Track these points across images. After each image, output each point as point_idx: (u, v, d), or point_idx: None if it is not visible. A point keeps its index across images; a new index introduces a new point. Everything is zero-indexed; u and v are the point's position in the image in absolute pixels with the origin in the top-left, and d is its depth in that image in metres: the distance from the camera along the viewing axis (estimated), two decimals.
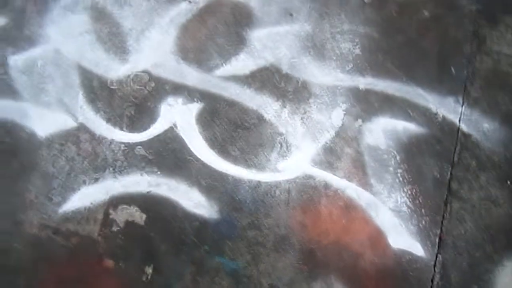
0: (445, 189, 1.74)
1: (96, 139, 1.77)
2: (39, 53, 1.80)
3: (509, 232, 1.72)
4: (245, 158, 1.77)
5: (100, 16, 1.80)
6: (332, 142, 1.78)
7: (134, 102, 1.78)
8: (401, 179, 1.76)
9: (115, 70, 1.79)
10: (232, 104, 1.79)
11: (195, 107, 1.78)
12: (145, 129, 1.78)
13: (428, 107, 1.76)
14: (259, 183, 1.76)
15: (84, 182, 1.76)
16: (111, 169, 1.76)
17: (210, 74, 1.79)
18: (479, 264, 1.72)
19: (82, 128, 1.77)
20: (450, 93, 1.76)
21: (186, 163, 1.76)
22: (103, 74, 1.79)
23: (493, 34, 1.77)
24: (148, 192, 1.75)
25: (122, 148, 1.77)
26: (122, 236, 1.74)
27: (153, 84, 1.79)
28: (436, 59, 1.77)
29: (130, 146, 1.77)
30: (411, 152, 1.76)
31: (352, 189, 1.76)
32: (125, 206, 1.75)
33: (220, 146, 1.77)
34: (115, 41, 1.80)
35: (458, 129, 1.75)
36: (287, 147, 1.78)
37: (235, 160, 1.77)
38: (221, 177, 1.76)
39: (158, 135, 1.77)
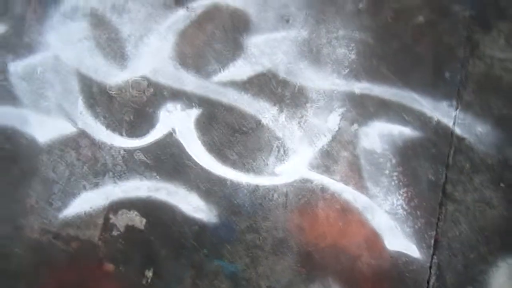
0: (440, 191, 1.73)
1: (96, 145, 1.78)
2: (39, 60, 1.81)
3: (503, 233, 1.71)
4: (243, 162, 1.77)
5: (99, 23, 1.81)
6: (328, 146, 1.77)
7: (133, 107, 1.79)
8: (396, 182, 1.75)
9: (114, 76, 1.80)
10: (230, 109, 1.78)
11: (194, 112, 1.79)
12: (144, 135, 1.79)
13: (423, 112, 1.75)
14: (257, 187, 1.77)
15: (84, 187, 1.77)
16: (111, 174, 1.77)
17: (208, 80, 1.79)
18: (474, 265, 1.71)
19: (81, 133, 1.78)
20: (444, 98, 1.75)
21: (185, 168, 1.77)
22: (102, 80, 1.80)
23: (486, 39, 1.74)
24: (147, 196, 1.76)
25: (121, 153, 1.78)
26: (122, 240, 1.75)
27: (152, 90, 1.79)
28: (430, 64, 1.76)
29: (130, 151, 1.78)
30: (407, 155, 1.75)
31: (348, 192, 1.76)
32: (125, 210, 1.76)
33: (219, 151, 1.78)
34: (114, 47, 1.80)
35: (452, 132, 1.74)
36: (284, 151, 1.78)
37: (233, 165, 1.77)
38: (220, 181, 1.77)
39: (157, 140, 1.78)
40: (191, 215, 1.76)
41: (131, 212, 1.76)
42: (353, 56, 1.77)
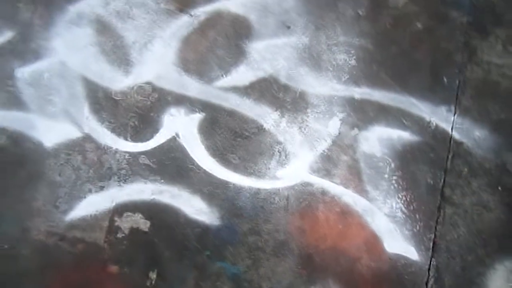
0: (438, 195, 1.77)
1: (101, 149, 1.79)
2: (45, 66, 1.81)
3: (500, 236, 1.75)
4: (245, 166, 1.80)
5: (104, 29, 1.82)
6: (329, 150, 1.80)
7: (137, 112, 1.80)
8: (396, 185, 1.78)
9: (119, 81, 1.81)
10: (232, 114, 1.81)
11: (197, 117, 1.81)
12: (148, 139, 1.80)
13: (422, 116, 1.78)
14: (258, 190, 1.79)
15: (90, 191, 1.78)
16: (116, 177, 1.78)
17: (211, 85, 1.82)
18: (472, 268, 1.74)
19: (87, 138, 1.79)
20: (443, 103, 1.78)
21: (188, 172, 1.79)
22: (108, 85, 1.81)
23: (483, 45, 1.79)
24: (151, 199, 1.78)
25: (126, 157, 1.79)
26: (126, 242, 1.76)
27: (156, 95, 1.81)
28: (428, 69, 1.80)
29: (134, 156, 1.79)
30: (406, 159, 1.78)
31: (348, 196, 1.79)
32: (129, 213, 1.77)
33: (221, 155, 1.80)
34: (118, 53, 1.82)
35: (451, 137, 1.78)
36: (285, 155, 1.81)
37: (235, 168, 1.80)
38: (222, 184, 1.79)
39: (161, 145, 1.79)
40: (194, 217, 1.77)
41: (136, 214, 1.78)
42: (353, 62, 1.81)
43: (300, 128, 1.82)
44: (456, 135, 1.77)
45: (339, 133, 1.81)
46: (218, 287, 1.76)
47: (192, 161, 1.79)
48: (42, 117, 1.80)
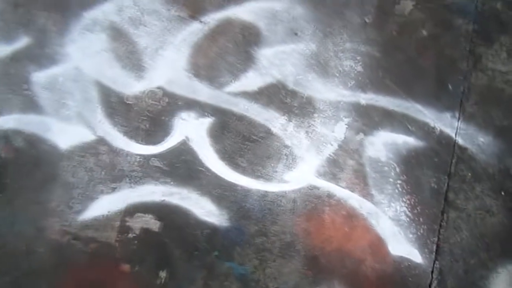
0: (442, 199, 1.77)
1: (114, 151, 1.80)
2: (60, 70, 1.82)
3: (503, 240, 1.75)
4: (253, 169, 1.82)
5: (117, 35, 1.84)
6: (335, 154, 1.82)
7: (149, 116, 1.82)
8: (400, 189, 1.79)
9: (132, 86, 1.83)
10: (241, 118, 1.82)
11: (207, 121, 1.82)
12: (159, 142, 1.81)
13: (426, 122, 1.79)
14: (266, 193, 1.81)
15: (102, 192, 1.79)
16: (127, 179, 1.80)
17: (220, 90, 1.83)
18: (475, 271, 1.75)
19: (100, 141, 1.80)
20: (447, 109, 1.79)
21: (198, 174, 1.81)
22: (121, 90, 1.82)
23: (488, 53, 1.80)
24: (162, 201, 1.79)
25: (138, 159, 1.80)
26: (138, 242, 1.78)
27: (167, 100, 1.83)
28: (434, 76, 1.80)
29: (146, 158, 1.80)
30: (410, 164, 1.79)
31: (354, 199, 1.80)
32: (140, 214, 1.79)
33: (230, 158, 1.82)
34: (131, 59, 1.84)
35: (455, 142, 1.79)
36: (292, 159, 1.83)
37: (244, 171, 1.82)
38: (231, 187, 1.80)
39: (172, 148, 1.81)
40: (203, 219, 1.79)
41: (147, 215, 1.79)
42: (359, 68, 1.83)
43: (307, 132, 1.83)
44: (460, 140, 1.78)
45: (345, 138, 1.82)
46: (226, 286, 1.78)
47: (201, 164, 1.81)
48: (57, 120, 1.81)
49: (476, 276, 1.76)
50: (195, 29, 1.85)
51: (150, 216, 1.79)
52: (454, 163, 1.78)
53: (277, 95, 1.83)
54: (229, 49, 1.84)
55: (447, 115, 1.79)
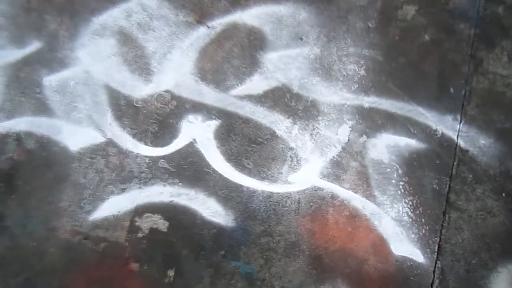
0: (443, 200, 1.77)
1: (123, 153, 1.82)
2: (71, 74, 1.84)
3: (503, 240, 1.75)
4: (258, 171, 1.82)
5: (126, 40, 1.84)
6: (339, 156, 1.82)
7: (157, 119, 1.83)
8: (402, 191, 1.79)
9: (140, 90, 1.83)
10: (247, 121, 1.83)
11: (213, 123, 1.83)
12: (167, 144, 1.83)
13: (428, 125, 1.78)
14: (271, 194, 1.81)
15: (112, 192, 1.81)
16: (136, 180, 1.82)
17: (226, 94, 1.84)
18: (476, 271, 1.75)
19: (110, 143, 1.82)
20: (449, 112, 1.78)
21: (205, 175, 1.82)
22: (129, 93, 1.83)
23: (489, 57, 1.78)
24: (170, 201, 1.81)
25: (146, 161, 1.82)
26: (146, 241, 1.80)
27: (174, 103, 1.83)
28: (435, 80, 1.79)
29: (154, 160, 1.82)
30: (412, 166, 1.79)
31: (357, 200, 1.80)
32: (149, 214, 1.80)
33: (236, 160, 1.82)
34: (140, 63, 1.84)
35: (456, 145, 1.78)
36: (297, 160, 1.83)
37: (249, 173, 1.82)
38: (237, 188, 1.81)
39: (179, 150, 1.82)
40: (210, 219, 1.80)
41: (155, 215, 1.80)
42: (362, 72, 1.82)
43: (311, 135, 1.83)
44: (461, 143, 1.78)
45: (349, 140, 1.82)
46: (232, 285, 1.79)
47: (208, 166, 1.82)
48: (68, 123, 1.83)
49: (477, 276, 1.75)
50: (202, 34, 1.85)
51: (159, 216, 1.81)
52: (456, 165, 1.78)
53: (282, 99, 1.84)
54: (235, 53, 1.84)
55: (449, 118, 1.78)
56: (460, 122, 1.79)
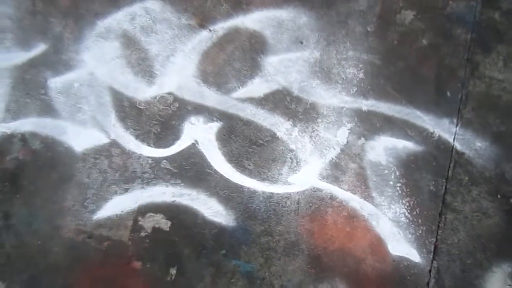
0: (440, 201, 1.78)
1: (126, 154, 1.84)
2: (75, 76, 1.86)
3: (498, 241, 1.76)
4: (259, 172, 1.84)
5: (130, 43, 1.87)
6: (337, 158, 1.83)
7: (160, 120, 1.85)
8: (400, 192, 1.80)
9: (143, 91, 1.86)
10: (247, 123, 1.85)
11: (215, 125, 1.85)
12: (170, 145, 1.85)
13: (425, 128, 1.79)
14: (271, 194, 1.83)
15: (116, 192, 1.83)
16: (139, 180, 1.84)
17: (228, 96, 1.85)
18: (471, 270, 1.76)
19: (114, 143, 1.84)
20: (446, 115, 1.79)
21: (206, 176, 1.84)
22: (133, 95, 1.85)
23: (485, 61, 1.79)
24: (172, 201, 1.83)
25: (149, 162, 1.84)
26: (149, 240, 1.82)
27: (177, 105, 1.85)
28: (433, 83, 1.80)
29: (157, 160, 1.84)
30: (410, 168, 1.80)
31: (355, 201, 1.82)
32: (152, 214, 1.83)
33: (237, 161, 1.84)
34: (143, 65, 1.86)
35: (453, 147, 1.78)
36: (297, 162, 1.85)
37: (250, 174, 1.84)
38: (238, 188, 1.83)
39: (181, 151, 1.84)
40: (211, 219, 1.82)
41: (158, 215, 1.82)
42: (361, 76, 1.84)
43: (311, 137, 1.85)
44: (458, 145, 1.78)
45: (347, 142, 1.83)
46: (233, 283, 1.81)
47: (210, 166, 1.84)
48: (72, 124, 1.85)
49: (473, 276, 1.77)
50: (204, 37, 1.87)
51: (161, 215, 1.83)
52: (452, 167, 1.79)
53: (282, 101, 1.85)
54: (237, 56, 1.86)
55: (446, 121, 1.80)
56: (457, 125, 1.80)
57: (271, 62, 1.86)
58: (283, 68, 1.86)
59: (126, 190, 1.84)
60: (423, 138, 1.80)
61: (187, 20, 1.88)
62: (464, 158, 1.80)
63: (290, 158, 1.86)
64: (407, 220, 1.81)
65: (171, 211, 1.83)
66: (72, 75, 1.87)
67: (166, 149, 1.85)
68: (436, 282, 1.78)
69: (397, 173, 1.82)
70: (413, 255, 1.79)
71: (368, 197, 1.82)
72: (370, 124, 1.83)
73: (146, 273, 1.81)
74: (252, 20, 1.86)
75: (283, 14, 1.86)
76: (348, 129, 1.85)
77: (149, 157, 1.85)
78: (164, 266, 1.82)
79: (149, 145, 1.86)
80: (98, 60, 1.88)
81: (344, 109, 1.85)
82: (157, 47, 1.88)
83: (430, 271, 1.78)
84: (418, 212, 1.80)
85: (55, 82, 1.86)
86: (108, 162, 1.85)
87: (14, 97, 1.86)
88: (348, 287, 1.80)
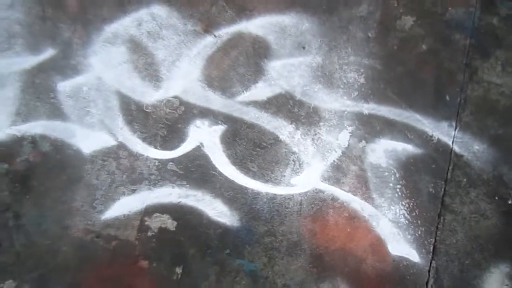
0: (439, 203, 1.80)
1: (134, 156, 1.85)
2: (83, 80, 1.86)
3: (496, 242, 1.78)
4: (262, 174, 1.87)
5: (136, 48, 1.87)
6: (339, 160, 1.85)
7: (166, 124, 1.87)
8: (399, 193, 1.82)
9: (150, 95, 1.86)
10: (251, 126, 1.86)
11: (219, 128, 1.86)
12: (176, 148, 1.86)
13: (425, 131, 1.81)
14: (274, 196, 1.86)
15: (123, 193, 1.85)
16: (146, 182, 1.86)
17: (232, 100, 1.87)
18: (469, 271, 1.78)
19: (121, 146, 1.85)
20: (444, 118, 1.80)
21: (211, 178, 1.86)
22: (140, 99, 1.86)
23: (484, 66, 1.81)
24: (178, 202, 1.85)
25: (156, 164, 1.85)
26: (155, 240, 1.84)
27: (183, 108, 1.87)
28: (432, 88, 1.81)
29: (163, 162, 1.85)
30: (409, 170, 1.82)
31: (356, 202, 1.84)
32: (158, 214, 1.85)
33: (241, 163, 1.87)
34: (149, 70, 1.87)
35: (451, 150, 1.80)
36: (299, 164, 1.87)
37: (254, 175, 1.87)
38: (242, 190, 1.86)
39: (187, 153, 1.85)
40: (216, 219, 1.84)
41: (164, 215, 1.84)
42: (362, 80, 1.85)
43: (313, 140, 1.87)
44: (456, 148, 1.80)
45: (349, 145, 1.85)
46: (237, 282, 1.83)
47: (215, 168, 1.86)
48: (81, 127, 1.86)
49: (471, 276, 1.78)
50: (209, 43, 1.88)
51: (167, 216, 1.85)
52: (451, 170, 1.80)
53: (285, 105, 1.87)
54: (241, 61, 1.88)
55: (445, 124, 1.81)
56: (455, 128, 1.81)
57: (274, 66, 1.87)
58: (286, 73, 1.88)
59: (134, 191, 1.86)
60: (422, 141, 1.82)
61: (193, 26, 1.89)
62: (462, 160, 1.81)
63: (293, 160, 1.88)
64: (407, 221, 1.82)
65: (177, 211, 1.85)
66: (81, 79, 1.87)
67: (172, 152, 1.87)
68: (435, 282, 1.80)
69: (397, 175, 1.84)
70: (413, 255, 1.80)
71: (368, 199, 1.83)
72: (370, 127, 1.85)
73: (153, 272, 1.83)
74: (255, 26, 1.87)
75: (286, 20, 1.88)
76: (349, 132, 1.86)
77: (155, 159, 1.86)
78: (170, 265, 1.84)
79: (155, 147, 1.87)
80: (105, 64, 1.88)
81: (346, 112, 1.86)
82: (163, 52, 1.88)
83: (429, 271, 1.80)
84: (417, 213, 1.82)
85: (64, 86, 1.86)
86: (116, 164, 1.86)
87: (24, 101, 1.86)
88: (349, 286, 1.82)
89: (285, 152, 1.88)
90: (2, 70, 1.84)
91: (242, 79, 1.89)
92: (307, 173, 1.87)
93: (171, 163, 1.87)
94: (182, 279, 1.84)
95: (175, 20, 1.89)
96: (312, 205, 1.86)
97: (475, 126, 1.81)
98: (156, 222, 1.85)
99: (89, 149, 1.86)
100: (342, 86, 1.87)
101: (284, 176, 1.87)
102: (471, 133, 1.81)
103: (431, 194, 1.81)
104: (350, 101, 1.86)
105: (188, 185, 1.87)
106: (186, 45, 1.89)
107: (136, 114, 1.88)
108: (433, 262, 1.80)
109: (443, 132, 1.81)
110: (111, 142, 1.86)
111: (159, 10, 1.89)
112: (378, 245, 1.82)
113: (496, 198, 1.80)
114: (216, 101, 1.88)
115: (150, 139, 1.88)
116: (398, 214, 1.83)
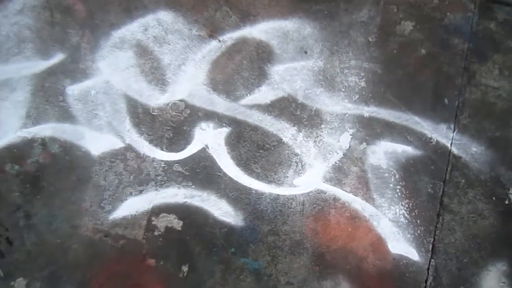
0: (437, 203, 1.81)
1: (141, 158, 1.86)
2: (92, 84, 1.87)
3: (493, 241, 1.80)
4: (266, 175, 1.88)
5: (143, 53, 1.89)
6: (340, 162, 1.87)
7: (172, 126, 1.88)
8: (399, 194, 1.84)
9: (156, 99, 1.88)
10: (255, 128, 1.88)
11: (224, 131, 1.88)
12: (181, 149, 1.87)
13: (424, 133, 1.83)
14: (278, 196, 1.87)
15: (131, 194, 1.86)
16: (153, 183, 1.86)
17: (236, 103, 1.89)
18: (467, 269, 1.79)
19: (128, 148, 1.86)
20: (443, 121, 1.82)
21: (216, 178, 1.87)
22: (146, 102, 1.88)
23: (482, 70, 1.83)
24: (184, 202, 1.86)
25: (162, 165, 1.86)
26: (162, 239, 1.85)
27: (188, 111, 1.88)
28: (431, 91, 1.84)
29: (169, 164, 1.86)
30: (409, 171, 1.83)
31: (357, 202, 1.85)
32: (165, 214, 1.85)
33: (245, 164, 1.88)
34: (156, 74, 1.88)
35: (450, 152, 1.82)
36: (302, 165, 1.89)
37: (257, 176, 1.88)
38: (246, 190, 1.87)
39: (192, 155, 1.87)
40: (221, 219, 1.85)
41: (170, 215, 1.85)
42: (362, 84, 1.88)
43: (315, 142, 1.89)
44: (455, 150, 1.82)
45: (350, 147, 1.86)
46: (241, 280, 1.84)
47: (219, 170, 1.87)
48: (90, 129, 1.87)
49: (469, 274, 1.80)
50: (213, 47, 1.90)
51: (174, 216, 1.86)
52: (449, 171, 1.82)
53: (288, 108, 1.89)
54: (244, 65, 1.90)
55: (443, 126, 1.83)
56: (454, 130, 1.83)
57: (277, 70, 1.89)
58: (288, 77, 1.89)
59: (141, 191, 1.87)
60: (421, 143, 1.84)
61: (198, 31, 1.91)
62: (460, 162, 1.83)
63: (296, 161, 1.89)
64: (406, 221, 1.84)
65: (183, 211, 1.86)
66: (89, 83, 1.88)
67: (178, 153, 1.88)
68: (433, 280, 1.81)
69: (397, 176, 1.85)
70: (412, 254, 1.82)
71: (369, 199, 1.85)
72: (371, 130, 1.86)
73: (160, 269, 1.84)
74: (259, 31, 1.90)
75: (288, 25, 1.90)
76: (350, 135, 1.88)
77: (162, 161, 1.87)
78: (177, 263, 1.85)
79: (162, 149, 1.88)
80: (113, 68, 1.89)
81: (347, 115, 1.88)
82: (169, 56, 1.90)
83: (428, 269, 1.81)
84: (416, 213, 1.84)
85: (73, 90, 1.88)
86: (123, 165, 1.87)
87: (34, 104, 1.87)
88: (350, 284, 1.83)
89: (288, 153, 1.89)
90: (13, 74, 1.86)
91: (246, 83, 1.90)
92: (310, 174, 1.88)
93: (177, 164, 1.88)
94: (188, 276, 1.85)
95: (180, 26, 1.92)
96: (314, 205, 1.87)
97: (473, 129, 1.83)
98: (163, 221, 1.86)
99: (97, 150, 1.87)
100: (343, 90, 1.89)
101: (287, 177, 1.89)
102: (469, 135, 1.83)
103: (430, 194, 1.83)
104: (351, 104, 1.88)
105: (193, 186, 1.88)
106: (191, 49, 1.92)
107: (143, 117, 1.89)
108: (432, 260, 1.81)
109: (442, 134, 1.83)
110: (118, 144, 1.87)
111: (165, 16, 1.92)
112: (379, 244, 1.83)
113: (493, 198, 1.82)
114: (220, 104, 1.90)
115: (157, 141, 1.89)
116: (398, 214, 1.84)
